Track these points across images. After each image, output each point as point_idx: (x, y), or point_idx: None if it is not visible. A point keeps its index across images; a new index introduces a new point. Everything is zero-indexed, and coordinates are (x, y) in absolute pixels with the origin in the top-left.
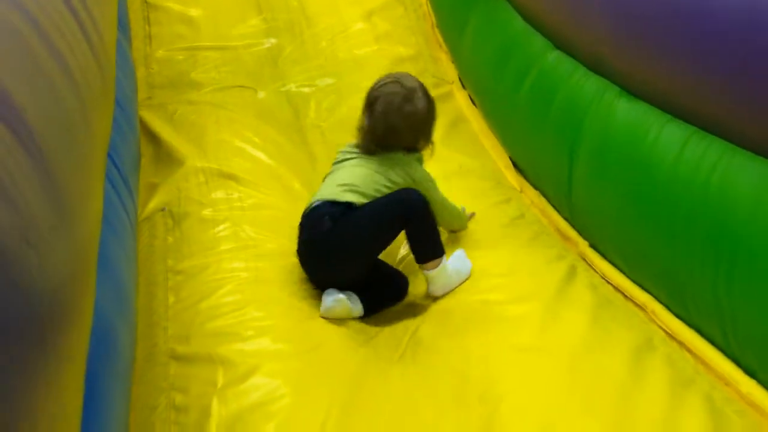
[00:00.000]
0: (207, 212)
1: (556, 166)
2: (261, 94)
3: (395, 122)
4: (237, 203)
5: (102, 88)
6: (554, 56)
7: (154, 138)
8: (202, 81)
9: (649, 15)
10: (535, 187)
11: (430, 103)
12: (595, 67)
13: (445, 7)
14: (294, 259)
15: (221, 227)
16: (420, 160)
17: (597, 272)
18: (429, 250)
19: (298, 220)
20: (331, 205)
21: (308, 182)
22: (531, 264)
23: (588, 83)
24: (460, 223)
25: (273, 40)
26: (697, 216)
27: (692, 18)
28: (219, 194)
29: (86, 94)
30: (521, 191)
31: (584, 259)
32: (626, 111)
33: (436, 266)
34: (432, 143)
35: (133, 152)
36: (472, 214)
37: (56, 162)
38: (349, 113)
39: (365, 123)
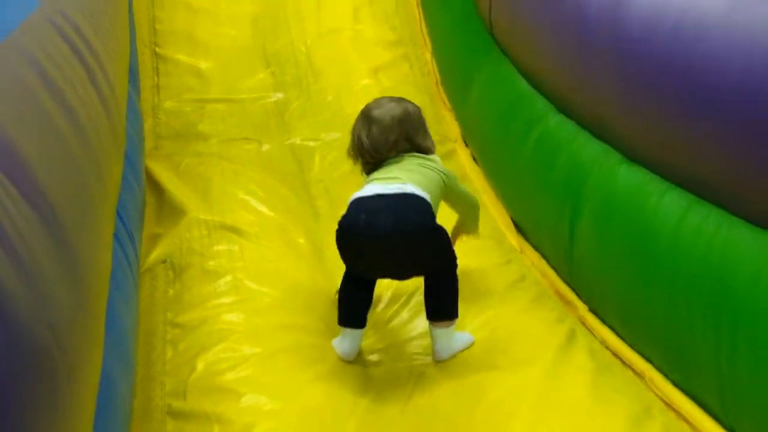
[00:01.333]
0: (209, 264)
1: (557, 228)
2: (266, 147)
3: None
4: (239, 256)
5: (113, 143)
6: (556, 120)
7: (158, 188)
8: (209, 133)
9: (650, 82)
10: (536, 249)
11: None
12: (597, 132)
13: (450, 66)
14: (294, 314)
15: (222, 280)
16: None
17: (596, 337)
18: (450, 307)
19: (300, 274)
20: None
21: (312, 236)
22: (531, 328)
23: (590, 148)
24: (477, 222)
25: (280, 94)
26: (698, 284)
27: (693, 87)
28: (221, 247)
29: (97, 151)
30: (521, 252)
31: (584, 323)
32: (627, 177)
33: (449, 326)
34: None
35: (139, 205)
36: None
37: (67, 218)
38: (354, 168)
39: (366, 139)
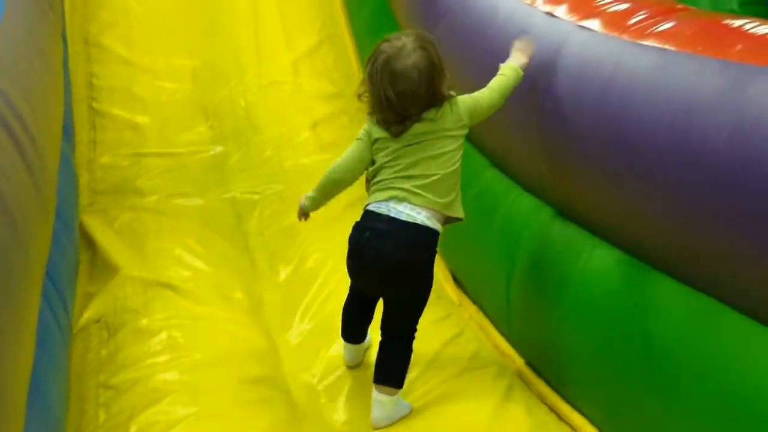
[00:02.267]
0: (143, 323)
1: (494, 282)
2: (204, 201)
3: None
4: (174, 313)
5: (40, 210)
6: (492, 174)
7: (92, 245)
8: (146, 187)
9: (577, 141)
10: (474, 302)
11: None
12: (529, 187)
13: None
14: (230, 371)
15: (156, 338)
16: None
17: (533, 392)
18: (399, 374)
19: (237, 329)
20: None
21: (249, 290)
22: (469, 387)
23: (524, 202)
24: (517, 78)
25: (219, 148)
26: (629, 340)
27: (620, 147)
28: (156, 304)
29: (21, 223)
30: (460, 305)
31: (521, 378)
32: (560, 232)
33: (394, 395)
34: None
35: (70, 262)
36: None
37: None
38: (294, 224)
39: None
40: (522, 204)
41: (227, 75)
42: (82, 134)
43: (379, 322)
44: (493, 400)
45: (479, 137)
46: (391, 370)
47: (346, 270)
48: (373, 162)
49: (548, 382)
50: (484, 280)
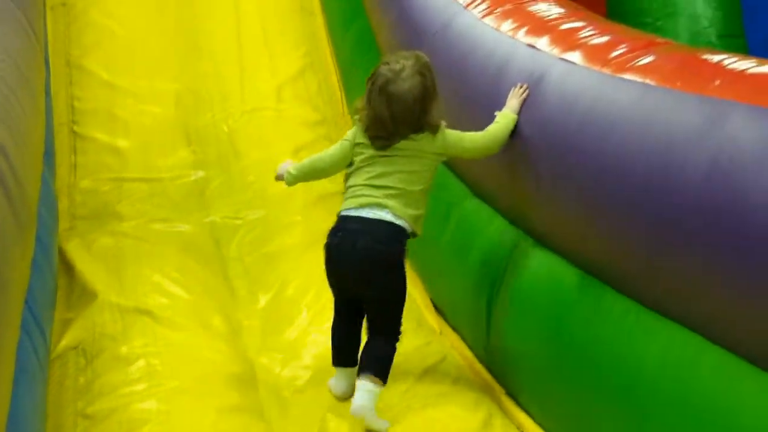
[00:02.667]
0: (121, 350)
1: (475, 312)
2: (185, 227)
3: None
4: (152, 341)
5: (20, 239)
6: (474, 204)
7: (71, 270)
8: (126, 212)
9: (558, 172)
10: (455, 330)
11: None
12: (512, 217)
13: None
14: (208, 398)
15: (134, 366)
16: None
17: (513, 422)
18: (384, 366)
19: (215, 356)
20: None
21: (228, 317)
22: (449, 415)
23: (505, 232)
24: (509, 124)
25: (201, 173)
26: (608, 371)
27: (602, 171)
28: (134, 331)
29: (0, 253)
30: (441, 333)
31: (501, 407)
32: (540, 262)
33: (377, 385)
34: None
35: (49, 289)
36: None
37: None
38: (276, 250)
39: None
40: (502, 233)
41: (210, 99)
42: (62, 158)
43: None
44: (472, 429)
45: (460, 166)
46: (377, 361)
47: (327, 297)
48: (351, 163)
49: (528, 413)
50: (465, 308)
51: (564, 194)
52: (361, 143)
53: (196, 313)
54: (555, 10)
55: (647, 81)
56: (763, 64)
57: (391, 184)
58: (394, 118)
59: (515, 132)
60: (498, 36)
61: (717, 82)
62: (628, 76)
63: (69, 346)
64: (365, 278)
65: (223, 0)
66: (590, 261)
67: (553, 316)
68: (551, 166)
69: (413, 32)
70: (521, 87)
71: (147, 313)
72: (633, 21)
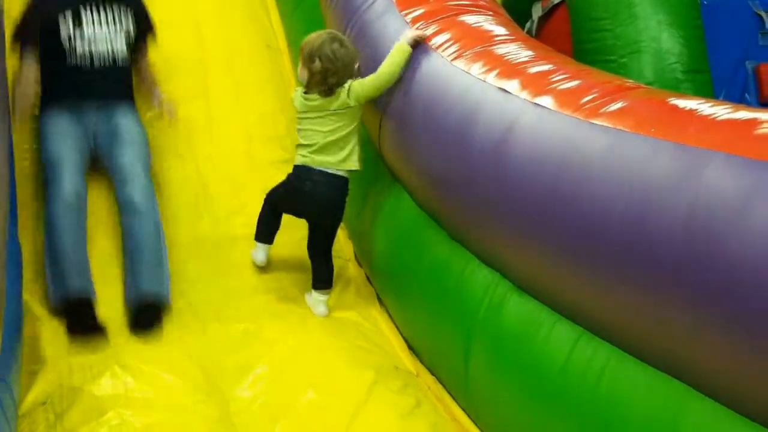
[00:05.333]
0: (91, 402)
1: (451, 356)
2: None
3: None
4: (122, 389)
5: None
6: (449, 247)
7: (36, 319)
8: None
9: (533, 220)
10: (432, 372)
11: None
12: (487, 261)
13: None
14: None
15: (105, 418)
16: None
17: None
18: (330, 279)
19: (189, 401)
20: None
21: (200, 359)
22: None
23: (481, 275)
24: (401, 59)
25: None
26: (587, 419)
27: (577, 219)
28: (105, 380)
29: None
30: (418, 375)
31: None
32: (518, 306)
33: (328, 294)
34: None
35: (16, 346)
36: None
37: None
38: (238, 288)
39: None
40: (479, 277)
41: (175, 143)
42: (25, 206)
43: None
44: None
45: (433, 209)
46: (325, 277)
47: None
48: None
49: None
50: (441, 351)
51: (538, 240)
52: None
53: (169, 359)
54: (524, 53)
55: (620, 127)
56: (737, 110)
57: (337, 136)
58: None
59: (488, 175)
60: (469, 79)
61: (691, 129)
62: (601, 121)
63: (37, 401)
64: (321, 211)
65: (189, 42)
66: (568, 307)
67: (531, 363)
68: (526, 210)
69: None
70: (421, 27)
71: (116, 361)
72: (598, 59)
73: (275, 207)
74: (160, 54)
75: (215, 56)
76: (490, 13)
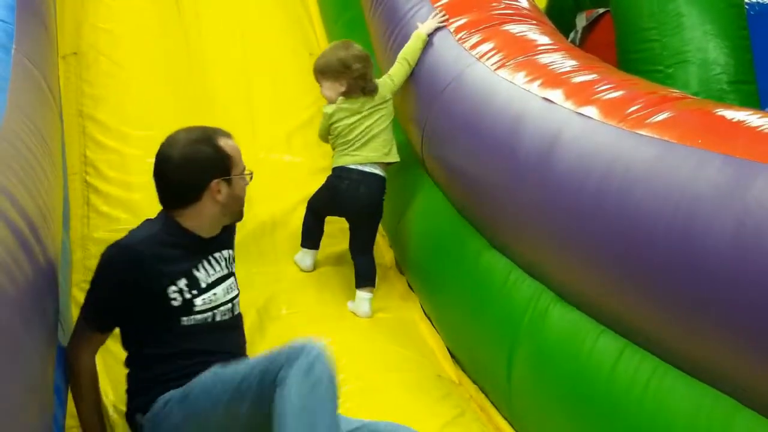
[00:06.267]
0: None
1: (494, 365)
2: None
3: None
4: None
5: (47, 338)
6: (491, 255)
7: None
8: None
9: (578, 229)
10: (474, 382)
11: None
12: (530, 270)
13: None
14: None
15: None
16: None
17: None
18: (374, 278)
19: None
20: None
21: None
22: None
23: (524, 285)
24: (421, 46)
25: None
26: (633, 429)
27: (622, 231)
28: None
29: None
30: (460, 384)
31: None
32: (561, 318)
33: (372, 293)
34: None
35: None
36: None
37: None
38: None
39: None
40: (522, 287)
41: None
42: (75, 208)
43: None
44: None
45: (475, 218)
46: (369, 275)
47: None
48: None
49: None
50: (485, 361)
51: (582, 251)
52: None
53: None
54: (569, 62)
55: (666, 138)
56: None
57: (382, 138)
58: None
59: (533, 185)
60: (513, 89)
61: (739, 141)
62: (646, 132)
63: None
64: (364, 210)
65: (233, 49)
66: (612, 318)
67: (576, 373)
68: (570, 221)
69: (425, 84)
70: (440, 13)
71: None
72: (644, 69)
73: (317, 211)
74: (204, 62)
75: (258, 63)
76: (534, 22)
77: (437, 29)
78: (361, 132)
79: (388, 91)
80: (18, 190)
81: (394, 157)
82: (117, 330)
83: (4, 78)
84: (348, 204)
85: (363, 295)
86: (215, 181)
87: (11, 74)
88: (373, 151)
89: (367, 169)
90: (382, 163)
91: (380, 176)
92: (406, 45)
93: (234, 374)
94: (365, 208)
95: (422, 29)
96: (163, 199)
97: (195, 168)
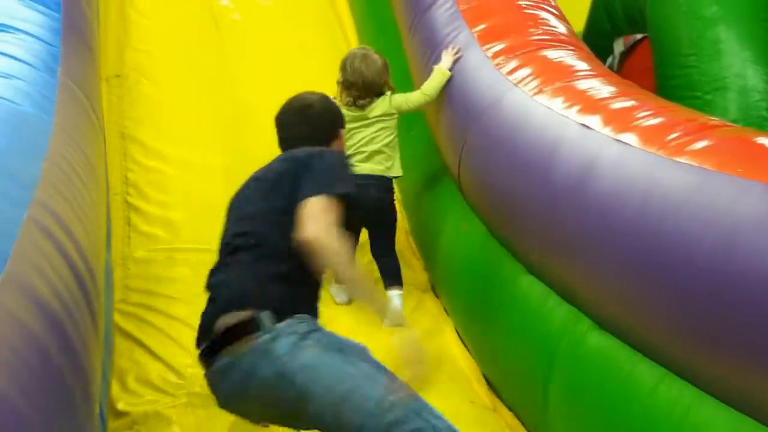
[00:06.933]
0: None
1: (530, 392)
2: None
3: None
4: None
5: (96, 349)
6: (527, 281)
7: (126, 349)
8: (179, 283)
9: (616, 256)
10: (510, 408)
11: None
12: (566, 296)
13: (420, 217)
14: None
15: None
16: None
17: None
18: (400, 276)
19: None
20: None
21: None
22: None
23: (560, 311)
24: (441, 82)
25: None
26: None
27: (660, 259)
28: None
29: (82, 354)
30: (495, 410)
31: None
32: (598, 345)
33: (402, 290)
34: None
35: (105, 373)
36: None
37: None
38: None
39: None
40: (558, 313)
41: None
42: (117, 228)
43: None
44: None
45: (512, 242)
46: (394, 272)
47: None
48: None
49: None
50: (520, 388)
51: (619, 281)
52: None
53: None
54: (607, 88)
55: (706, 166)
56: None
57: (382, 143)
58: None
59: (569, 210)
60: (550, 114)
61: None
62: (685, 159)
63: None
64: (376, 213)
65: (271, 69)
66: (649, 346)
67: (612, 402)
68: (607, 247)
69: (462, 108)
70: (454, 48)
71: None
72: (683, 95)
73: None
74: (241, 86)
75: (296, 83)
76: (572, 47)
77: (470, 55)
78: (357, 142)
79: (395, 107)
80: (68, 216)
81: (397, 172)
82: None
83: (50, 100)
84: (357, 209)
85: (393, 293)
86: (342, 129)
87: (57, 97)
88: (377, 164)
89: (375, 172)
90: (385, 177)
91: (387, 177)
92: (429, 78)
93: (351, 392)
94: (375, 210)
95: (443, 65)
96: (298, 139)
97: (333, 116)
